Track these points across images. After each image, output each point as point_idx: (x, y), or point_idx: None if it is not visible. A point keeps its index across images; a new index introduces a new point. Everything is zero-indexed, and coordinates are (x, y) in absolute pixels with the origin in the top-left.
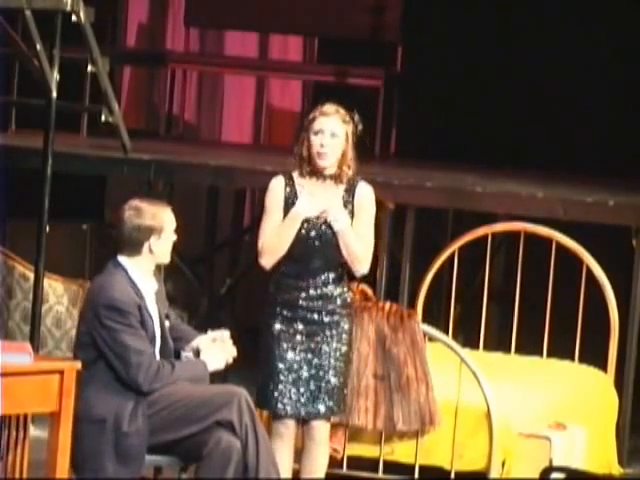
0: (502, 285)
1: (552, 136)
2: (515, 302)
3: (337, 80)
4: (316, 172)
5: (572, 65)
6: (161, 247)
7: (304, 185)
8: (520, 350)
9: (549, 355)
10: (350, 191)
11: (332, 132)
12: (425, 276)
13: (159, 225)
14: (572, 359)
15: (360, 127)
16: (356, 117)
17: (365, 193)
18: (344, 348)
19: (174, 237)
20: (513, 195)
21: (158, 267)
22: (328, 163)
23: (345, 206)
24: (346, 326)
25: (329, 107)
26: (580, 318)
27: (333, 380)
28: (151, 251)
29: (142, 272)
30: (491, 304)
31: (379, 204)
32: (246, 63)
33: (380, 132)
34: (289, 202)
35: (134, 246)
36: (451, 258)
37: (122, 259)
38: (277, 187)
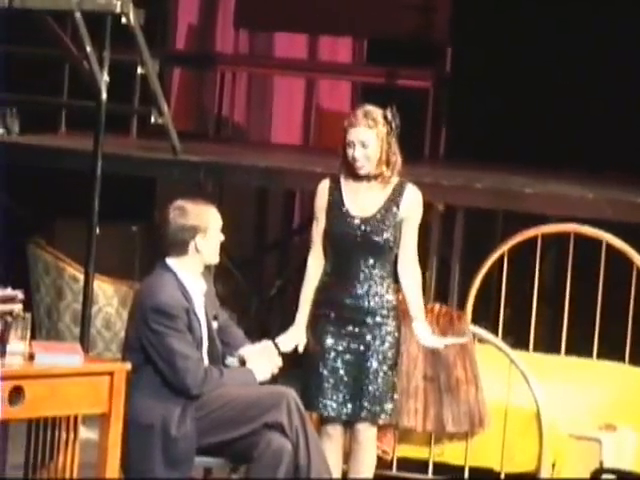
0: (552, 286)
1: (602, 137)
2: (565, 303)
3: (386, 81)
4: (359, 175)
5: (622, 66)
6: (208, 246)
7: (349, 186)
8: (570, 351)
9: (599, 356)
10: (397, 193)
11: (362, 142)
12: (475, 277)
13: (204, 224)
14: (622, 360)
15: (397, 121)
16: (390, 114)
17: (413, 198)
18: (389, 351)
19: (221, 237)
20: (563, 196)
21: (207, 268)
22: (366, 171)
23: (390, 207)
24: (390, 328)
25: (358, 114)
26: (630, 319)
27: (375, 383)
28: (197, 250)
29: (190, 273)
30: (541, 305)
31: (428, 205)
32: (295, 65)
33: (429, 133)
34: (333, 206)
35: (180, 246)
36: (501, 259)
37: (170, 261)
38: (322, 191)
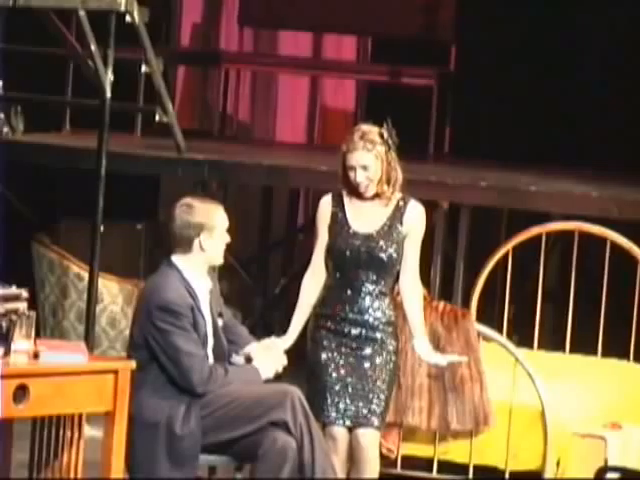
0: (557, 284)
1: (606, 135)
2: (569, 301)
3: (391, 79)
4: (361, 194)
5: (628, 64)
6: (213, 245)
7: (352, 203)
8: (575, 350)
9: (604, 354)
10: (400, 209)
11: (362, 166)
12: (479, 276)
13: (210, 222)
14: (627, 358)
15: (394, 137)
16: (386, 132)
17: (416, 214)
18: (387, 365)
19: (227, 238)
20: (567, 194)
21: (212, 267)
22: (371, 192)
23: (393, 223)
24: (389, 343)
25: (355, 137)
26: (635, 317)
27: (376, 396)
28: (202, 249)
29: (195, 271)
30: (545, 303)
31: (433, 204)
32: (300, 63)
33: (434, 131)
34: (336, 221)
35: (185, 243)
36: (505, 257)
37: (175, 259)
38: (324, 207)
